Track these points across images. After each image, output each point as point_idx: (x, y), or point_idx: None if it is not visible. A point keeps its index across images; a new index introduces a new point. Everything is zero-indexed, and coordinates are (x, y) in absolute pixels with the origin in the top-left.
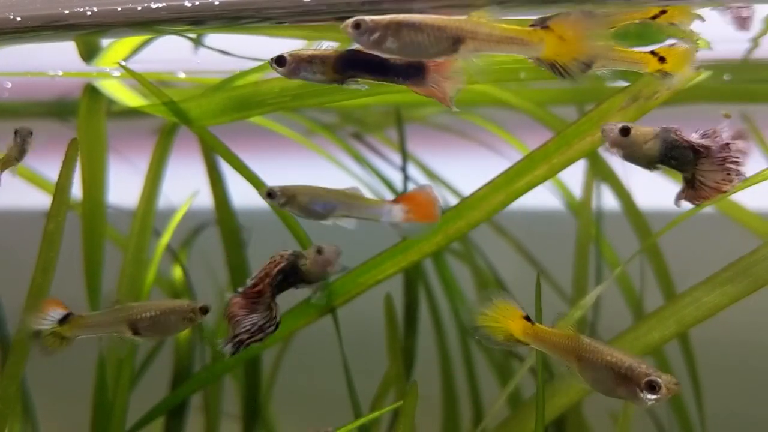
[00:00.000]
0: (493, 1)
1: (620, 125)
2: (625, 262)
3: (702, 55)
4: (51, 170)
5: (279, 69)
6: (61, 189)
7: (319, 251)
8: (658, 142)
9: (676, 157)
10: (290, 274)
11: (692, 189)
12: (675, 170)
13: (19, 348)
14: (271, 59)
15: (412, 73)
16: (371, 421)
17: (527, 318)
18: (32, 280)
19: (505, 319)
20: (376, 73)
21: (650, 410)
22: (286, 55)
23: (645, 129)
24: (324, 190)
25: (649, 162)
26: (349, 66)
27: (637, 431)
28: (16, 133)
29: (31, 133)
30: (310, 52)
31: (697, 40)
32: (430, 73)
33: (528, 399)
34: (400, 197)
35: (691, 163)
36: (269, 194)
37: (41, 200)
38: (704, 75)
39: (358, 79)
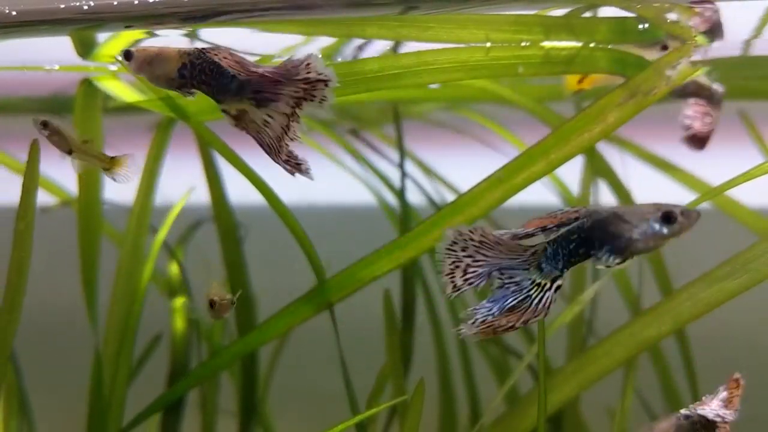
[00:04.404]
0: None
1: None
2: None
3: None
4: (46, 166)
5: (126, 64)
6: (26, 191)
7: None
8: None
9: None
10: None
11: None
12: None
13: None
14: (120, 53)
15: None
16: (368, 418)
17: None
18: (7, 281)
19: None
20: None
21: (647, 407)
22: (133, 50)
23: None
24: None
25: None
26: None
27: (634, 427)
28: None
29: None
30: (156, 49)
31: (695, 36)
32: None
33: (525, 395)
34: None
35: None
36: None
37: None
38: (702, 71)
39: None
